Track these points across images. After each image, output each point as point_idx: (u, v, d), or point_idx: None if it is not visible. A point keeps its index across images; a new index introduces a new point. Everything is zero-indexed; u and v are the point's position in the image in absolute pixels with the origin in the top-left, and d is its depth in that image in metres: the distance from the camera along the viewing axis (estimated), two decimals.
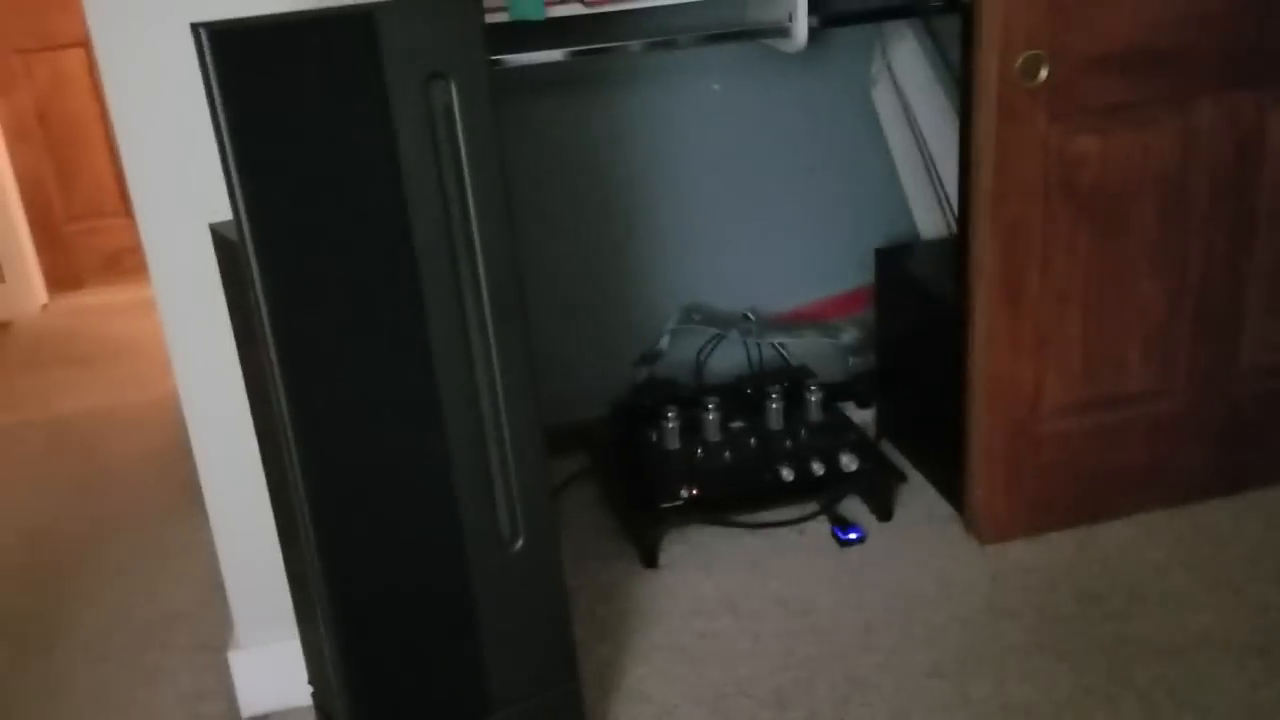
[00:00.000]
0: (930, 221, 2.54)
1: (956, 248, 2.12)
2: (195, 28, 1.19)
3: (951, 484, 2.26)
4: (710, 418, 2.34)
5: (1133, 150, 1.98)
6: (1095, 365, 2.10)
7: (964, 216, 2.06)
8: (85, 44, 3.84)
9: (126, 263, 4.11)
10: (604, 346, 2.59)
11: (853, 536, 2.22)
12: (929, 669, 1.87)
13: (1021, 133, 1.94)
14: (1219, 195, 2.03)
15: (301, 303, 1.32)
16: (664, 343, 2.60)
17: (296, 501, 1.39)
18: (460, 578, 1.50)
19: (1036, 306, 2.04)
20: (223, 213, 1.41)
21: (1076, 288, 2.04)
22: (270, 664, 1.87)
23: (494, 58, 2.04)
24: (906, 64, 2.41)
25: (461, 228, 1.41)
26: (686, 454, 2.30)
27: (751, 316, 2.62)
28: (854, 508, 2.31)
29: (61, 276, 4.21)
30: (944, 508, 2.30)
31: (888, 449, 2.49)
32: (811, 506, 2.31)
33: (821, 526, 2.27)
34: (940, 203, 2.50)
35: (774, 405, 2.36)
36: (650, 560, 2.20)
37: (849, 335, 2.67)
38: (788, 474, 2.24)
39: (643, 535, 2.22)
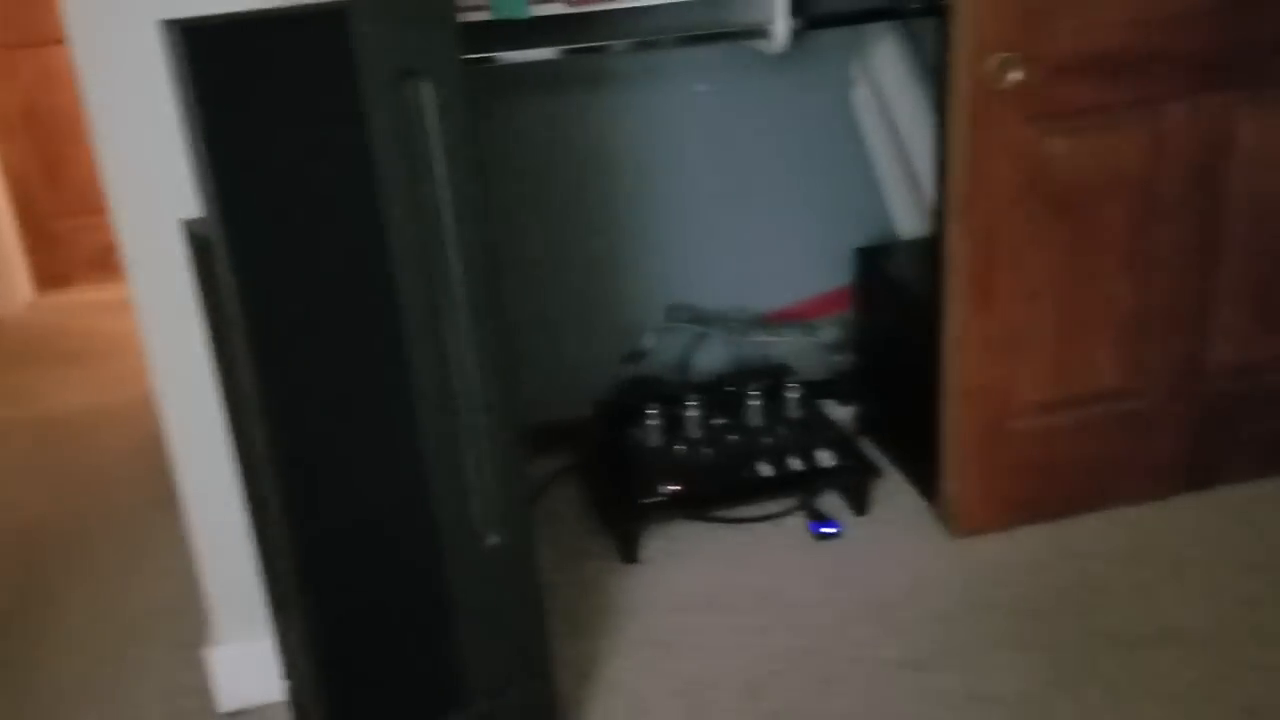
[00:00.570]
0: (909, 222, 2.57)
1: (932, 248, 2.14)
2: (165, 24, 1.21)
3: (927, 480, 2.29)
4: (692, 415, 2.36)
5: (1103, 152, 2.00)
6: (1066, 363, 2.13)
7: (939, 217, 2.09)
8: None
9: (114, 260, 4.10)
10: (590, 345, 2.61)
11: (829, 531, 2.25)
12: (901, 661, 1.90)
13: (994, 135, 1.96)
14: (1187, 196, 2.06)
15: (273, 299, 1.33)
16: (649, 341, 2.62)
17: (268, 496, 1.40)
18: (434, 572, 1.52)
19: (1009, 305, 2.06)
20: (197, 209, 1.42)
21: (1048, 287, 2.07)
22: (248, 660, 1.89)
23: (482, 55, 2.07)
24: (886, 66, 2.43)
25: (436, 224, 1.43)
26: (667, 451, 2.33)
27: (735, 316, 2.65)
28: (832, 503, 2.34)
29: (49, 274, 4.22)
30: (920, 503, 2.32)
31: (866, 446, 2.51)
32: (790, 502, 2.33)
33: (800, 521, 2.30)
34: (919, 203, 2.52)
35: (755, 403, 2.38)
36: (630, 555, 2.23)
37: (829, 334, 2.69)
38: (766, 470, 2.27)
39: (623, 531, 2.24)
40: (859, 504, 2.31)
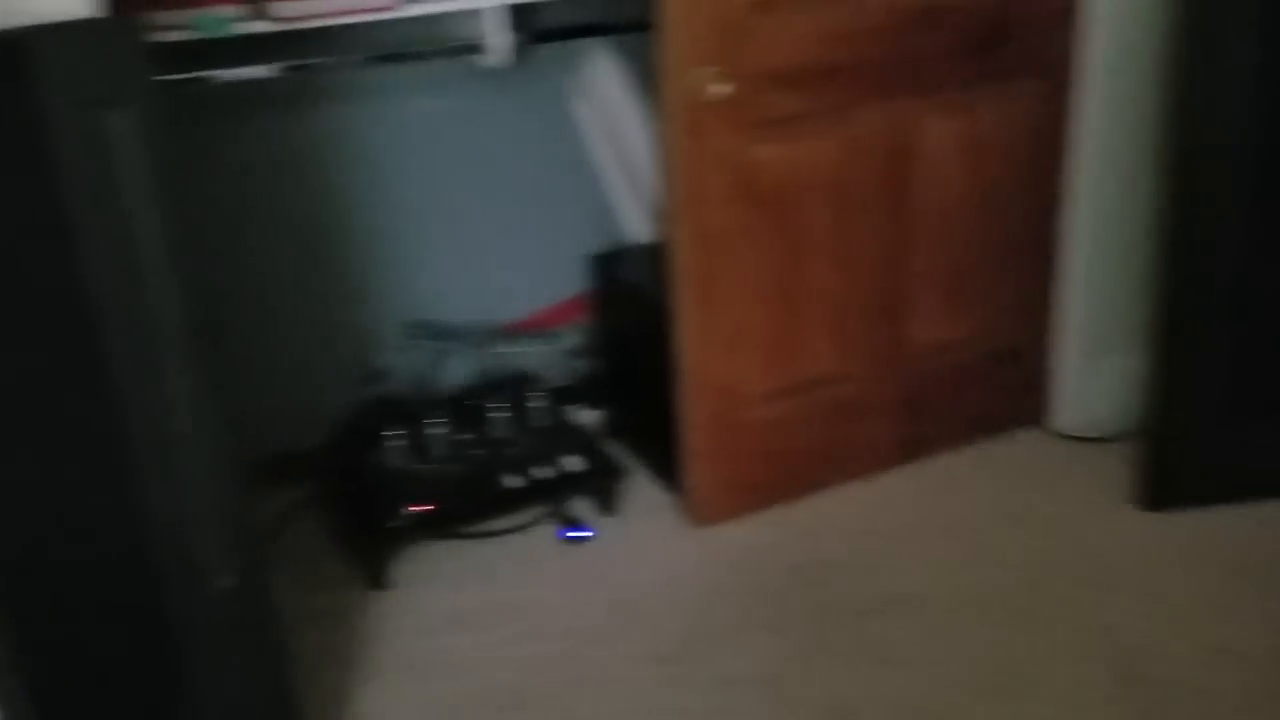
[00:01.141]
0: (637, 227, 2.65)
1: (660, 252, 2.23)
2: None
3: (670, 476, 2.38)
4: (436, 433, 2.35)
5: (804, 157, 2.15)
6: (786, 354, 2.27)
7: (664, 222, 2.18)
8: None
9: None
10: (330, 370, 2.54)
11: (578, 535, 2.29)
12: (652, 654, 1.96)
13: (706, 144, 2.06)
14: (880, 193, 2.24)
15: None
16: (387, 361, 2.58)
17: None
18: (157, 621, 1.44)
19: (731, 303, 2.18)
20: None
21: (765, 284, 2.19)
22: None
23: (192, 76, 2.00)
24: (604, 80, 2.50)
25: (135, 259, 1.35)
26: (410, 471, 2.30)
27: (476, 329, 2.65)
28: (582, 507, 2.38)
29: None
30: (666, 499, 2.41)
31: (614, 448, 2.57)
32: (541, 510, 2.36)
33: (550, 529, 2.33)
34: (645, 210, 2.61)
35: (500, 415, 2.40)
36: (377, 582, 2.19)
37: (571, 340, 2.74)
38: (514, 481, 2.28)
39: (368, 557, 2.20)
40: (607, 505, 2.37)
